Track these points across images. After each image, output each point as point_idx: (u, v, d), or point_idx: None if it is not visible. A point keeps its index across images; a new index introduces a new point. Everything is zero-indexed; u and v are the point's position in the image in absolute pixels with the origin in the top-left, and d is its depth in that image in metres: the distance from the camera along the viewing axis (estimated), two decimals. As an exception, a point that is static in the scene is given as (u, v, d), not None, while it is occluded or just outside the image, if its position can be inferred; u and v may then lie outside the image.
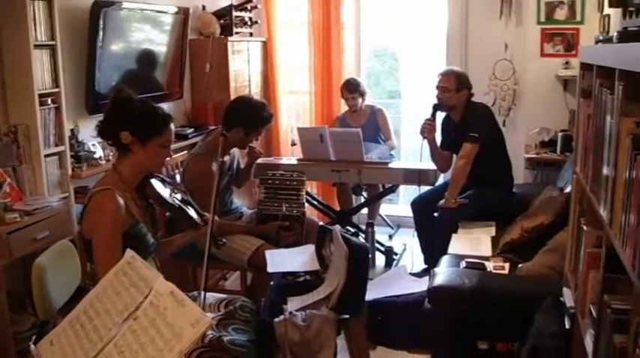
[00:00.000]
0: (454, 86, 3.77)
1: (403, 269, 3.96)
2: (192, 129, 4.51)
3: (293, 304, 2.49)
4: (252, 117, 3.29)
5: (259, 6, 5.21)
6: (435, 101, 3.87)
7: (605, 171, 1.59)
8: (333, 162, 4.22)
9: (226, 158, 3.37)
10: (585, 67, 2.13)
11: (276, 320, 2.35)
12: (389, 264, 4.43)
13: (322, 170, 4.25)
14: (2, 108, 3.21)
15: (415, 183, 4.07)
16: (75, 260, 2.59)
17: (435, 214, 3.74)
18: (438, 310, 2.69)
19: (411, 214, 4.08)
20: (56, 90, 3.32)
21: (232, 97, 4.12)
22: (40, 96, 3.21)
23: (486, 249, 3.26)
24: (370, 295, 3.01)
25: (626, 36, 1.74)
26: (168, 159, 2.41)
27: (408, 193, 5.38)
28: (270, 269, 2.79)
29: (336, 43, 5.14)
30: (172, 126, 2.31)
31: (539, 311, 2.37)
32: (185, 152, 3.97)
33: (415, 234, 4.07)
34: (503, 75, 4.71)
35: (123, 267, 1.65)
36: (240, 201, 3.78)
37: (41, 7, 3.19)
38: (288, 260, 2.85)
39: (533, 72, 4.57)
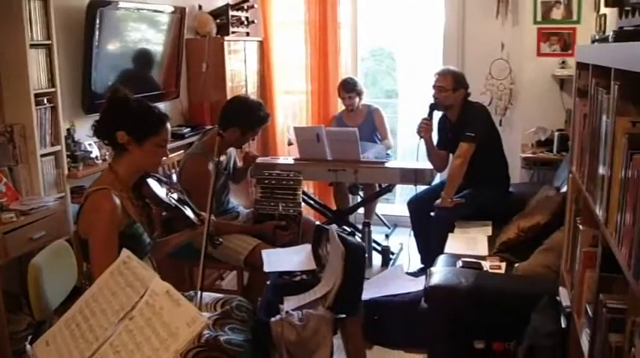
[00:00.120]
0: (451, 85, 3.77)
1: (400, 268, 3.97)
2: (188, 129, 4.50)
3: (289, 303, 2.49)
4: (249, 116, 3.28)
5: (256, 5, 5.21)
6: (432, 100, 3.88)
7: (601, 170, 1.59)
8: (329, 161, 4.22)
9: (223, 157, 3.37)
10: (581, 66, 2.13)
11: (273, 319, 2.35)
12: (385, 263, 4.43)
13: (319, 169, 4.25)
14: (-2, 108, 3.20)
15: (412, 183, 4.07)
16: (71, 260, 2.59)
17: (432, 214, 3.75)
18: (435, 309, 2.70)
19: (407, 214, 4.09)
20: (52, 89, 3.32)
21: (229, 97, 4.11)
22: (36, 95, 3.21)
23: (483, 249, 3.26)
24: (367, 294, 3.02)
25: (622, 35, 1.74)
26: (164, 158, 2.40)
27: (404, 193, 5.38)
28: (266, 268, 2.79)
29: (333, 43, 5.13)
30: (169, 125, 2.30)
31: (536, 310, 2.37)
32: (181, 152, 3.97)
33: (411, 233, 4.08)
34: (500, 74, 4.72)
35: (119, 267, 1.65)
36: (237, 201, 3.78)
37: (37, 7, 3.18)
38: (285, 259, 2.86)
39: (529, 71, 4.58)
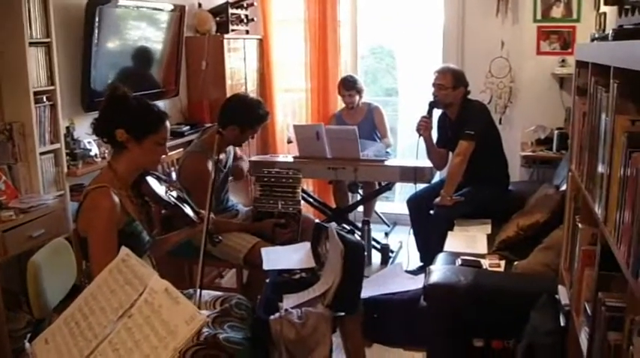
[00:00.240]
0: (450, 83, 3.77)
1: (399, 266, 3.97)
2: (188, 127, 4.50)
3: (289, 301, 2.49)
4: (248, 115, 3.28)
5: (255, 3, 5.20)
6: (432, 98, 3.88)
7: (601, 168, 1.59)
8: (329, 159, 4.22)
9: (222, 156, 3.36)
10: (581, 64, 2.13)
11: (272, 317, 2.35)
12: (385, 261, 4.43)
13: (318, 167, 4.25)
14: (-3, 106, 3.20)
15: (411, 181, 4.07)
16: (70, 258, 2.59)
17: (431, 212, 3.75)
18: (434, 308, 2.70)
19: (407, 212, 4.09)
20: (51, 87, 3.32)
21: (228, 95, 4.11)
22: (36, 93, 3.21)
23: (482, 247, 3.27)
24: (366, 293, 3.01)
25: (621, 34, 1.74)
26: (163, 156, 2.40)
27: (404, 191, 5.39)
28: (265, 266, 2.80)
29: (333, 41, 5.13)
30: (168, 123, 2.30)
31: (535, 308, 2.37)
32: (181, 150, 3.97)
33: (411, 231, 4.08)
34: (500, 72, 4.72)
35: (118, 265, 1.65)
36: (236, 199, 3.78)
37: (37, 5, 3.18)
38: (284, 257, 2.86)
39: (529, 70, 4.58)
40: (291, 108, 5.50)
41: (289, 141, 4.88)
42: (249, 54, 5.12)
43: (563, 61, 4.40)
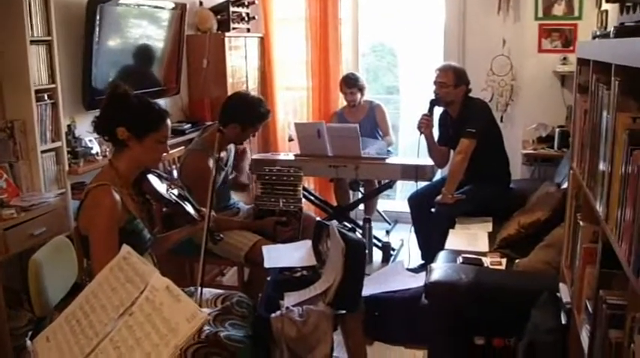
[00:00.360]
0: (452, 81, 3.77)
1: (400, 264, 3.97)
2: (189, 125, 4.51)
3: (290, 299, 2.49)
4: (249, 113, 3.28)
5: (256, 2, 5.19)
6: (433, 96, 3.87)
7: (602, 166, 1.59)
8: (330, 157, 4.22)
9: (223, 154, 3.36)
10: (582, 62, 2.13)
11: (273, 315, 2.35)
12: (386, 259, 4.44)
13: (319, 165, 4.24)
14: (-1, 104, 3.20)
15: (412, 179, 4.07)
16: (72, 256, 2.59)
17: (432, 210, 3.75)
18: (435, 305, 2.69)
19: (408, 210, 4.09)
20: (53, 85, 3.32)
21: (229, 93, 4.11)
22: (37, 91, 3.21)
23: (483, 245, 3.26)
24: (367, 290, 3.02)
25: (622, 31, 1.73)
26: (164, 154, 2.40)
27: (405, 189, 5.38)
28: (266, 264, 2.79)
29: (334, 39, 5.13)
30: (169, 121, 2.30)
31: (536, 306, 2.37)
32: (182, 148, 3.97)
33: (412, 229, 4.07)
34: (501, 70, 4.71)
35: (119, 263, 1.65)
36: (237, 197, 3.78)
37: (37, 3, 3.18)
38: (285, 255, 2.86)
39: (530, 67, 4.57)
40: (292, 106, 5.50)
41: (290, 139, 4.87)
42: (251, 52, 5.12)
43: (564, 58, 4.40)
